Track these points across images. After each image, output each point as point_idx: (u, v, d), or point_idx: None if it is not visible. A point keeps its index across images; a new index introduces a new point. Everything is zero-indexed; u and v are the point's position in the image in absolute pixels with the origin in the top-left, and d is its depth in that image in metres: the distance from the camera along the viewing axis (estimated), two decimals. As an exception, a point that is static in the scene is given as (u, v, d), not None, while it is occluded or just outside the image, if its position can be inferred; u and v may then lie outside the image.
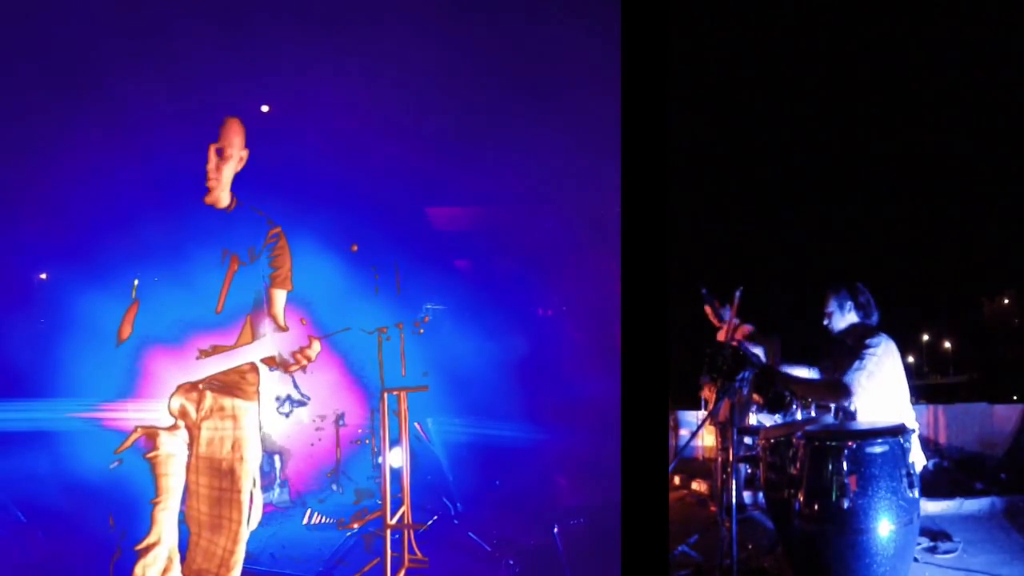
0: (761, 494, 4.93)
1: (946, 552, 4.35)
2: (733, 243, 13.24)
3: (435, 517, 5.12)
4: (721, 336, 5.41)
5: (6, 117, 5.38)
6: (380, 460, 4.46)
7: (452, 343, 6.12)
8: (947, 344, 32.41)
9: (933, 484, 5.46)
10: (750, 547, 4.30)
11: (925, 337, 31.92)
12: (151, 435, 2.63)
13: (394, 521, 4.25)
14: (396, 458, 4.56)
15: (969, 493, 5.54)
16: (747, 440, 4.88)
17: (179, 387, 2.66)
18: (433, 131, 6.11)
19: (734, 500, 3.65)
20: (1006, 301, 29.48)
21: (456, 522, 5.14)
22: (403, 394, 4.47)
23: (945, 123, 13.36)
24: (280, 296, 2.85)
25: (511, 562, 4.40)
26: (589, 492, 5.51)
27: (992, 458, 6.43)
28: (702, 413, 6.34)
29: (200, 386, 2.70)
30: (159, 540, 2.59)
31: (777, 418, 4.85)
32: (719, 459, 4.46)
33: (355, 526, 4.87)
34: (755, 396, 4.93)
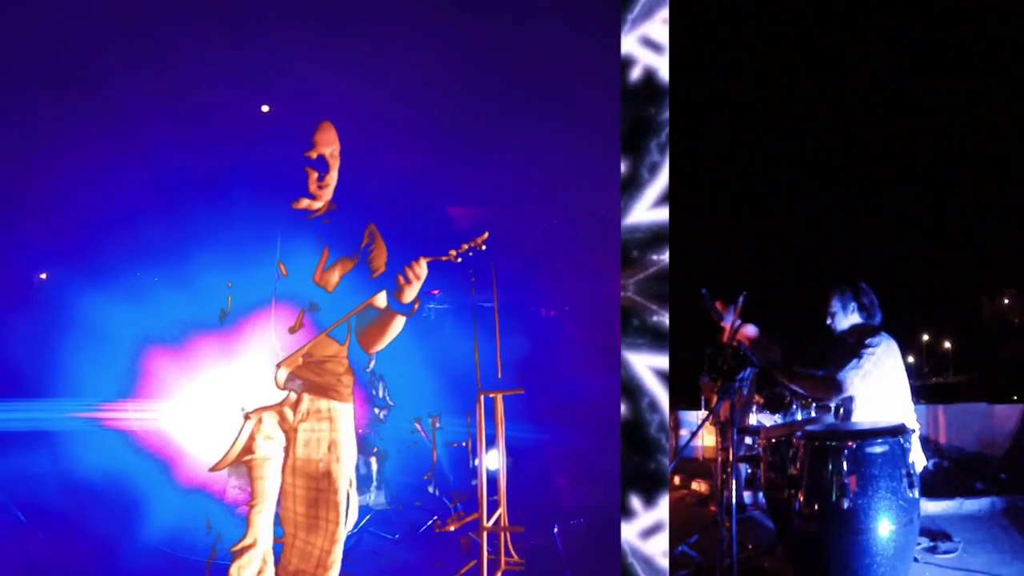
0: (761, 494, 4.93)
1: (946, 552, 4.35)
2: (733, 243, 13.26)
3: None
4: (724, 338, 5.41)
5: (6, 117, 5.38)
6: (476, 463, 4.37)
7: (452, 343, 6.11)
8: (947, 344, 32.44)
9: (933, 484, 5.46)
10: (750, 547, 4.30)
11: (925, 337, 31.96)
12: (260, 419, 2.59)
13: (490, 523, 4.19)
14: (493, 461, 4.48)
15: (969, 493, 5.54)
16: (747, 440, 4.87)
17: (280, 363, 2.56)
18: (433, 131, 6.10)
19: (734, 500, 3.65)
20: (1006, 301, 29.52)
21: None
22: (499, 397, 4.41)
23: (945, 123, 13.39)
24: (380, 296, 2.70)
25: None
26: (589, 492, 5.51)
27: (992, 458, 6.42)
28: (702, 413, 6.33)
29: (301, 359, 2.60)
30: (255, 542, 2.58)
31: (777, 418, 4.86)
32: (719, 459, 4.45)
33: (452, 528, 4.78)
34: (755, 396, 4.93)
